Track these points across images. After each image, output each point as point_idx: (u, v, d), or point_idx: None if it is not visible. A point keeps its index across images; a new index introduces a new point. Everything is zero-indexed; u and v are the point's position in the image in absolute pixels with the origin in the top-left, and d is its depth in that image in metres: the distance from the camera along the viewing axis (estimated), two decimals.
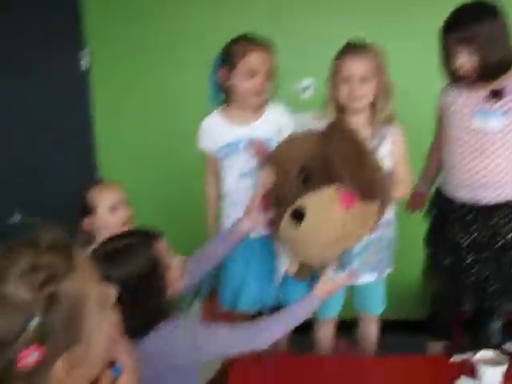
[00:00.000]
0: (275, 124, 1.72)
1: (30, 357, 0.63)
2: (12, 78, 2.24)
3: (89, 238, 1.57)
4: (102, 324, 0.75)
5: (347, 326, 1.95)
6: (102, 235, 1.47)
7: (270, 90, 1.72)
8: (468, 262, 1.76)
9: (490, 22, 1.58)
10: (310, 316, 1.40)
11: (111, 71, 2.73)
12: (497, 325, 1.84)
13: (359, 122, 1.67)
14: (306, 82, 2.39)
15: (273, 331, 1.30)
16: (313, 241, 1.38)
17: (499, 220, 1.70)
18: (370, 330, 1.88)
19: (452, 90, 1.77)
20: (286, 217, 1.37)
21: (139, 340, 1.15)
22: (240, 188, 1.67)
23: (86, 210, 1.60)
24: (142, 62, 2.71)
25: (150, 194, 2.74)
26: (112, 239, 1.25)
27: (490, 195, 1.70)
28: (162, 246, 1.24)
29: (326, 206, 1.33)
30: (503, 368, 1.37)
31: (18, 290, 0.63)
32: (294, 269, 1.55)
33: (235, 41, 1.67)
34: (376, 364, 1.61)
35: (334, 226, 1.34)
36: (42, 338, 0.64)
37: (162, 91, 2.73)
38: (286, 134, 1.60)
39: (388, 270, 1.80)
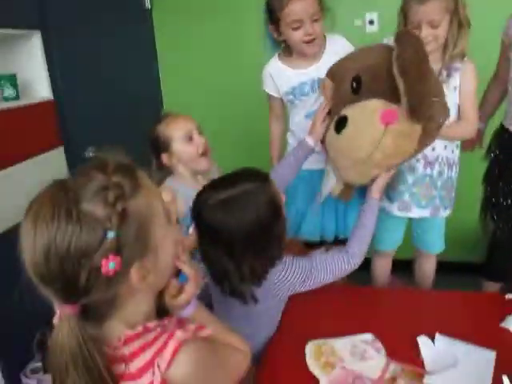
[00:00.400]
0: (339, 57, 1.69)
1: (109, 264, 0.71)
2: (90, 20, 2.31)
3: (166, 172, 1.63)
4: (167, 238, 0.82)
5: (405, 266, 1.99)
6: (182, 167, 1.57)
7: (325, 28, 1.69)
8: None
9: None
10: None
11: (172, 10, 2.77)
12: None
13: (432, 60, 1.61)
14: (370, 16, 2.31)
15: (359, 247, 1.38)
16: (349, 152, 1.38)
17: None
18: (427, 268, 1.93)
19: None
20: (332, 125, 1.41)
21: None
22: (306, 127, 1.69)
23: (161, 145, 1.61)
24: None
25: (216, 131, 2.83)
26: (222, 183, 1.19)
27: None
28: (274, 187, 1.21)
29: (366, 118, 1.33)
30: None
31: (94, 207, 0.71)
32: (338, 189, 1.56)
33: None
34: (430, 297, 1.66)
35: (370, 140, 1.33)
36: (118, 248, 0.72)
37: (223, 32, 2.75)
38: None
39: (447, 212, 1.79)
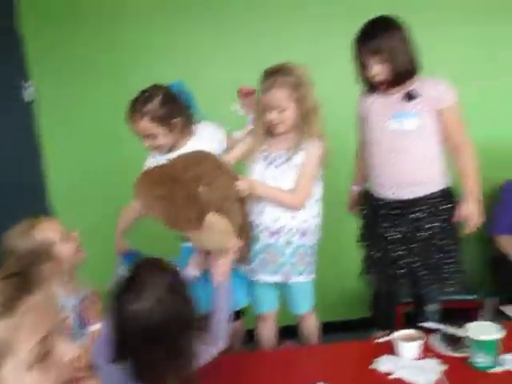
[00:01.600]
0: (208, 141, 1.85)
1: None
2: None
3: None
4: None
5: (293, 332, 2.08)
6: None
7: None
8: (397, 254, 1.94)
9: (395, 35, 1.81)
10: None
11: (54, 101, 2.84)
12: (433, 309, 2.02)
13: (281, 141, 1.82)
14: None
15: (222, 330, 1.44)
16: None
17: (421, 214, 1.89)
18: (308, 327, 2.01)
19: (368, 96, 1.97)
20: None
21: None
22: None
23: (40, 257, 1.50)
24: (82, 90, 2.84)
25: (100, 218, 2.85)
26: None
27: (410, 191, 1.90)
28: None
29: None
30: (419, 343, 1.53)
31: None
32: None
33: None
34: (311, 352, 1.76)
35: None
36: None
37: (103, 119, 2.86)
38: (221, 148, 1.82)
39: (304, 276, 1.89)
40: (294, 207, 1.81)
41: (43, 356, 0.71)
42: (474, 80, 2.66)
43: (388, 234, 1.94)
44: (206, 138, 1.86)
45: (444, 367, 1.46)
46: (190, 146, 1.84)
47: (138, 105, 1.78)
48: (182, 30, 2.70)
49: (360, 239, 2.13)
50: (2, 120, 2.66)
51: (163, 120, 1.78)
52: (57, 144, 2.89)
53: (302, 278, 1.89)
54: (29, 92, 2.77)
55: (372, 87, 1.93)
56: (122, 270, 1.81)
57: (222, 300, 1.49)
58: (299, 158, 1.80)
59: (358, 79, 1.95)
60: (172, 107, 1.80)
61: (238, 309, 1.88)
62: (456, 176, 1.96)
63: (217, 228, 1.51)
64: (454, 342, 1.56)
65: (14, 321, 0.68)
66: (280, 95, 1.73)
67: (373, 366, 1.50)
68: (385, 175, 1.94)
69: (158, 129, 1.79)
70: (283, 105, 1.74)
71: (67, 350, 0.74)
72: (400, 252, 1.93)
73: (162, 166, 1.58)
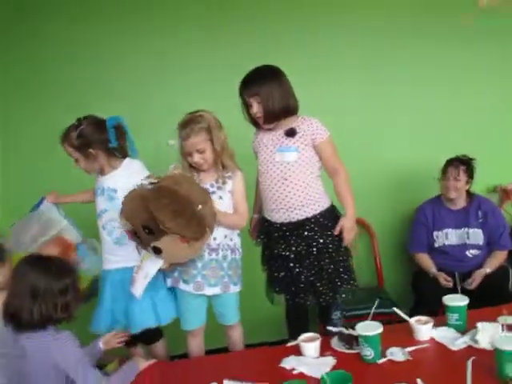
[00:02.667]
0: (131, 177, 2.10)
1: None
2: None
3: None
4: None
5: None
6: None
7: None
8: (295, 271, 2.21)
9: (269, 81, 2.15)
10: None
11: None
12: (337, 316, 2.28)
13: (208, 174, 2.13)
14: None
15: None
16: (173, 259, 1.93)
17: (309, 233, 2.18)
18: (234, 337, 2.25)
19: (258, 133, 2.31)
20: (150, 251, 1.86)
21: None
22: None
23: None
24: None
25: None
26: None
27: (296, 213, 2.20)
28: None
29: (171, 245, 1.82)
30: (316, 343, 1.82)
31: None
32: (165, 267, 1.98)
33: None
34: (234, 357, 2.01)
35: (183, 251, 1.86)
36: None
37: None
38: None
39: (237, 287, 2.18)
40: (241, 226, 2.18)
41: None
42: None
43: (285, 253, 2.21)
44: (131, 171, 2.16)
45: (335, 362, 1.74)
46: (115, 175, 2.16)
47: (65, 131, 2.13)
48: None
49: (262, 262, 2.39)
50: None
51: (79, 148, 2.12)
52: None
53: (236, 289, 2.18)
54: None
55: (255, 124, 2.27)
56: None
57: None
58: (228, 186, 2.13)
59: (245, 117, 2.27)
60: (90, 139, 2.11)
61: (164, 323, 2.13)
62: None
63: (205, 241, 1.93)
64: (351, 341, 1.84)
65: None
66: (198, 140, 2.04)
67: (281, 365, 1.76)
68: (274, 201, 2.24)
69: (77, 154, 2.14)
70: (202, 148, 2.06)
71: None
72: (297, 269, 2.21)
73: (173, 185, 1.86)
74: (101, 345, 1.93)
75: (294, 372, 1.70)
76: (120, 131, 2.16)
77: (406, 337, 1.88)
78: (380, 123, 3.22)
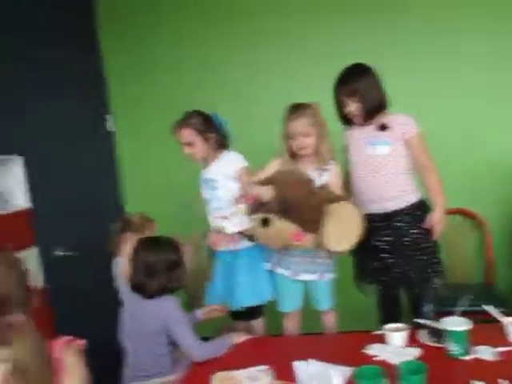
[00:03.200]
0: (224, 168, 2.35)
1: None
2: (58, 141, 2.92)
3: None
4: None
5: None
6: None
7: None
8: (389, 262, 2.25)
9: (365, 79, 2.19)
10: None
11: (133, 132, 3.43)
12: (428, 308, 2.27)
13: (307, 163, 2.23)
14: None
15: (206, 354, 1.93)
16: (266, 239, 2.09)
17: (401, 223, 2.19)
18: (328, 323, 2.36)
19: (350, 128, 2.35)
20: (258, 219, 1.98)
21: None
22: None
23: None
24: (159, 124, 3.38)
25: None
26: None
27: (388, 204, 2.23)
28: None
29: (283, 231, 1.97)
30: (403, 333, 1.84)
31: None
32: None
33: None
34: (318, 339, 2.15)
35: (281, 242, 2.06)
36: None
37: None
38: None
39: (331, 275, 2.30)
40: None
41: None
42: None
43: (377, 244, 2.26)
44: (229, 162, 2.36)
45: (419, 353, 1.76)
46: (215, 165, 2.35)
47: (183, 118, 2.33)
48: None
49: (354, 253, 2.40)
50: (90, 146, 3.29)
51: (201, 131, 2.31)
52: (133, 171, 3.48)
53: (330, 276, 2.31)
54: (109, 123, 3.40)
55: (348, 122, 2.32)
56: None
57: (221, 346, 1.98)
58: (325, 177, 2.22)
59: (337, 116, 2.33)
60: (209, 125, 2.34)
61: (262, 303, 2.31)
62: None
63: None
64: (438, 335, 1.84)
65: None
66: (304, 123, 2.15)
67: (363, 350, 1.83)
68: (365, 193, 2.28)
69: (196, 137, 2.31)
70: (307, 131, 2.15)
71: None
72: (390, 260, 2.24)
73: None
74: (200, 315, 2.20)
75: (376, 359, 1.76)
76: (220, 124, 2.39)
77: (499, 337, 1.83)
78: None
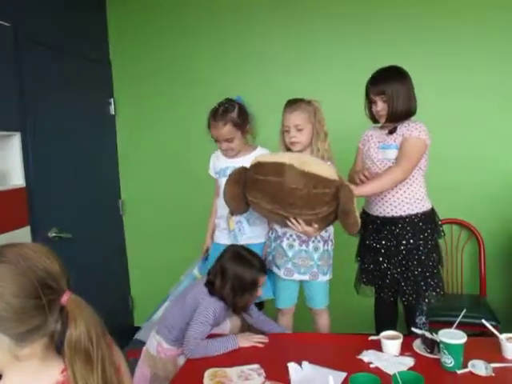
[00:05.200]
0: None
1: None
2: (63, 123, 2.88)
3: None
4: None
5: None
6: None
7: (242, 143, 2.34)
8: (383, 266, 2.25)
9: (396, 82, 2.16)
10: None
11: (132, 117, 3.40)
12: (421, 320, 2.28)
13: None
14: None
15: (196, 354, 1.90)
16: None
17: (400, 230, 2.18)
18: (321, 322, 2.36)
19: (370, 129, 2.35)
20: None
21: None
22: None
23: None
24: (158, 108, 3.37)
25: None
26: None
27: (391, 210, 2.23)
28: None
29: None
30: (398, 342, 1.83)
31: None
32: None
33: (209, 115, 2.30)
34: (310, 338, 2.14)
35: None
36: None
37: (175, 136, 3.38)
38: None
39: (327, 276, 2.29)
40: None
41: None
42: None
43: (375, 245, 2.26)
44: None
45: (413, 363, 1.75)
46: (248, 159, 2.28)
47: (220, 113, 2.26)
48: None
49: (357, 254, 2.45)
50: (95, 129, 3.25)
51: (240, 126, 2.27)
52: (129, 153, 3.45)
53: (325, 278, 2.28)
54: (112, 107, 3.36)
55: (375, 121, 2.30)
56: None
57: (225, 345, 1.95)
58: None
59: (366, 113, 2.32)
60: (245, 116, 2.30)
61: (261, 300, 2.27)
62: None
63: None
64: (433, 346, 1.84)
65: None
66: (299, 117, 2.15)
67: (359, 356, 1.82)
68: (375, 196, 2.27)
69: (237, 133, 2.27)
70: (301, 126, 2.15)
71: None
72: (385, 264, 2.25)
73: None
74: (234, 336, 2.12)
75: (371, 366, 1.76)
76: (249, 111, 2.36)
77: (494, 352, 1.82)
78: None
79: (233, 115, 2.25)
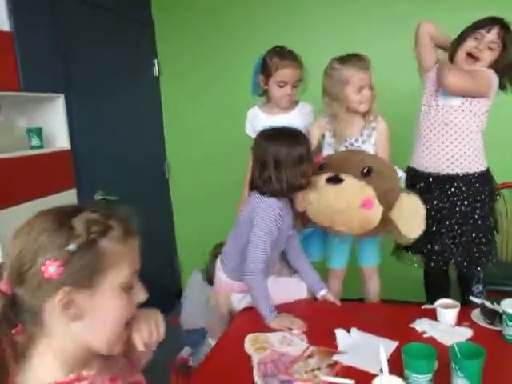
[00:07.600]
0: (303, 119, 2.20)
1: (50, 268, 0.79)
2: (106, 84, 2.85)
3: None
4: (115, 298, 0.87)
5: None
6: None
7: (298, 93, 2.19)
8: (433, 229, 2.08)
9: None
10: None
11: (177, 78, 3.32)
12: (477, 289, 2.12)
13: (359, 119, 2.07)
14: None
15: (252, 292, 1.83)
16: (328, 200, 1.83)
17: (455, 190, 2.01)
18: (371, 285, 2.24)
19: (424, 77, 2.15)
20: (323, 176, 1.83)
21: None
22: None
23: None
24: (205, 72, 3.28)
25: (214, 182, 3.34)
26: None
27: (447, 166, 2.05)
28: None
29: (354, 191, 1.78)
30: (455, 310, 1.70)
31: (78, 225, 0.84)
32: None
33: (271, 54, 2.13)
34: (366, 308, 2.04)
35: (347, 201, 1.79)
36: (66, 261, 0.81)
37: (222, 98, 3.31)
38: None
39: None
40: None
41: (129, 287, 0.89)
42: None
43: (426, 206, 2.06)
44: (305, 113, 2.26)
45: (471, 334, 1.62)
46: (291, 115, 2.20)
47: (295, 56, 2.14)
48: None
49: None
50: (139, 91, 3.21)
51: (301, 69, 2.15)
52: (174, 115, 3.38)
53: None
54: (156, 68, 3.29)
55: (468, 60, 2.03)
56: None
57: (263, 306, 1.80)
58: (374, 137, 2.06)
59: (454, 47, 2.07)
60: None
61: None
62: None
63: None
64: (494, 316, 1.70)
65: (124, 247, 0.89)
66: (371, 75, 1.99)
67: (412, 325, 1.71)
68: (427, 147, 2.10)
69: (301, 75, 2.16)
70: (372, 83, 2.00)
71: (140, 293, 0.94)
72: (436, 227, 2.08)
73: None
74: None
75: (425, 335, 1.64)
76: None
77: None
78: None
79: (300, 59, 2.16)
